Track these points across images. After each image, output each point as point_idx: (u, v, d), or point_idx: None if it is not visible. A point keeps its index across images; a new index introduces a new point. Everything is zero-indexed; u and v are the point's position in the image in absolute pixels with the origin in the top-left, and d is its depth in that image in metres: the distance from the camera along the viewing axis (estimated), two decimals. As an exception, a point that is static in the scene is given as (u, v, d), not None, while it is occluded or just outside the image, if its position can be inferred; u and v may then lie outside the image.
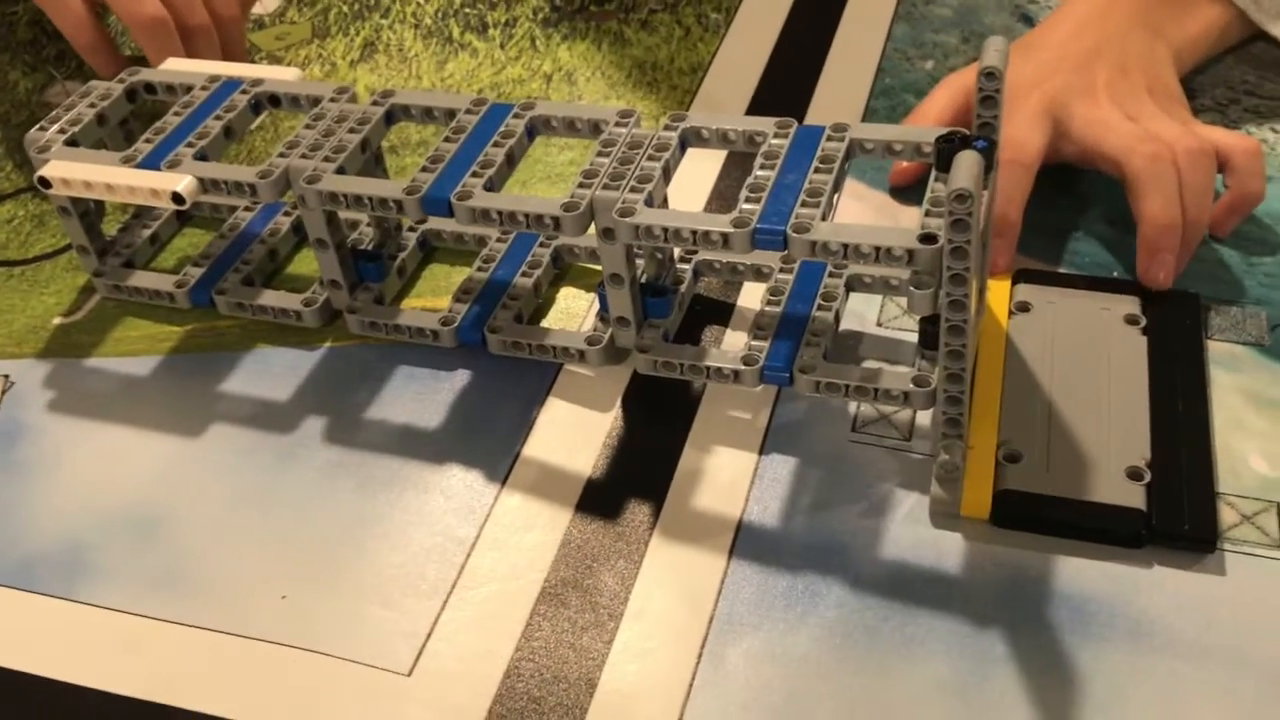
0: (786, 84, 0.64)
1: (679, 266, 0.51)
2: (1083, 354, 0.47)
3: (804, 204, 0.42)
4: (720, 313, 0.51)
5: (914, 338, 0.48)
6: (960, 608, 0.40)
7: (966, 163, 0.37)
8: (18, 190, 0.60)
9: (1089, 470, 0.42)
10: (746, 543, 0.42)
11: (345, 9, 0.72)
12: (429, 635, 0.40)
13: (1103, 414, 0.44)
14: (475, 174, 0.45)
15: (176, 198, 0.47)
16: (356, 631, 0.40)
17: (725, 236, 0.41)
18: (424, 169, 0.46)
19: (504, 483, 0.45)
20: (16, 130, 0.64)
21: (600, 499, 0.44)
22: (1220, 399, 0.46)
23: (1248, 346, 0.48)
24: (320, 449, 0.46)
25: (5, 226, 0.58)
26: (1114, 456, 0.43)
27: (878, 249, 0.40)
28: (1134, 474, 0.42)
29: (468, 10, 0.71)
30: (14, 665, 0.40)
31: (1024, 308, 0.49)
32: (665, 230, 0.42)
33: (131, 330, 0.52)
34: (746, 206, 0.42)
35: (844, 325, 0.49)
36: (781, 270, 0.49)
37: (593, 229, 0.44)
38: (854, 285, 0.49)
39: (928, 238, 0.39)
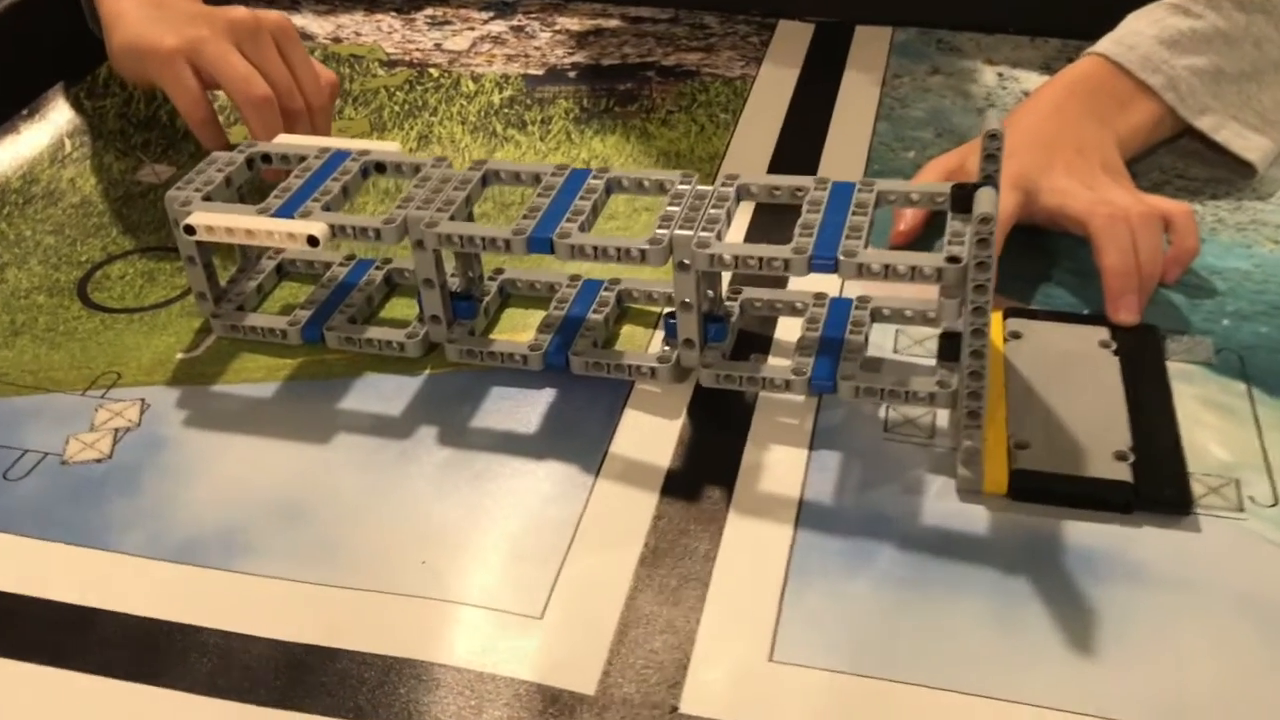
0: (790, 173, 0.74)
1: (727, 304, 0.60)
2: (1068, 370, 0.57)
3: (848, 237, 0.51)
4: (761, 343, 0.60)
5: (926, 361, 0.58)
6: (990, 560, 0.48)
7: (988, 195, 0.48)
8: (125, 253, 0.68)
9: (1084, 454, 0.52)
10: (808, 516, 0.51)
11: (396, 108, 0.82)
12: (552, 588, 0.47)
13: (1089, 413, 0.54)
14: (570, 219, 0.54)
15: (312, 240, 0.55)
16: (492, 585, 0.48)
17: (787, 262, 0.51)
18: (525, 217, 0.55)
19: (597, 474, 0.53)
20: (116, 204, 0.72)
21: (680, 487, 0.52)
22: (1181, 404, 0.56)
23: (1199, 365, 0.58)
24: (435, 450, 0.54)
25: (120, 282, 0.66)
26: (1101, 444, 0.52)
27: (913, 269, 0.49)
28: (1120, 456, 0.52)
29: (507, 110, 0.81)
30: (188, 621, 0.47)
31: (1016, 335, 0.59)
32: (736, 258, 0.52)
33: (249, 363, 0.60)
34: (801, 239, 0.52)
35: (867, 353, 0.59)
36: (814, 305, 0.59)
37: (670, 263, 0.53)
38: (875, 316, 0.59)
39: (953, 259, 0.49)
